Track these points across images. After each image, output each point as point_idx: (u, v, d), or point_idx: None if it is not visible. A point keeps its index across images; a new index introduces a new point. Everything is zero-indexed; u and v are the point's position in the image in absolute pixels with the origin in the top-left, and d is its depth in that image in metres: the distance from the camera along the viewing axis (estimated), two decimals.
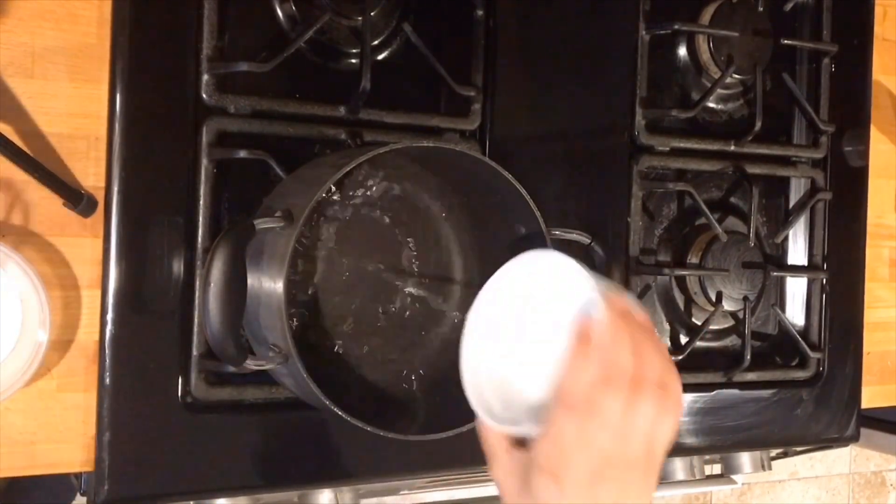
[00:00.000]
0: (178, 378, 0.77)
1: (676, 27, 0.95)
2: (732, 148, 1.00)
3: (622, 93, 0.94)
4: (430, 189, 0.84)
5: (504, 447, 0.58)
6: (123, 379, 0.75)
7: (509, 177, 0.74)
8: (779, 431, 1.03)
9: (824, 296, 1.05)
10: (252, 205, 0.78)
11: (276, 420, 0.80)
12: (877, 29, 1.08)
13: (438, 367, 0.83)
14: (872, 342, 1.09)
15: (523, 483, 0.55)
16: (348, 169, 0.69)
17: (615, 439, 0.52)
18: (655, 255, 0.99)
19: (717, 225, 0.97)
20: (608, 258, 0.84)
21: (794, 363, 1.05)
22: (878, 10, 1.08)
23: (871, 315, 1.08)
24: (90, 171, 0.76)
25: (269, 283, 0.69)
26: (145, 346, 0.76)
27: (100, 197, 0.75)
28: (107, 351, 0.74)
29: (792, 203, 1.05)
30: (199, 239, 0.77)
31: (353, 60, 0.84)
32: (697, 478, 1.05)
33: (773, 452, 1.12)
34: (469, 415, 0.59)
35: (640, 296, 0.98)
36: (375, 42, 0.84)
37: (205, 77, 0.77)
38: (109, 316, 0.74)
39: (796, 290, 1.05)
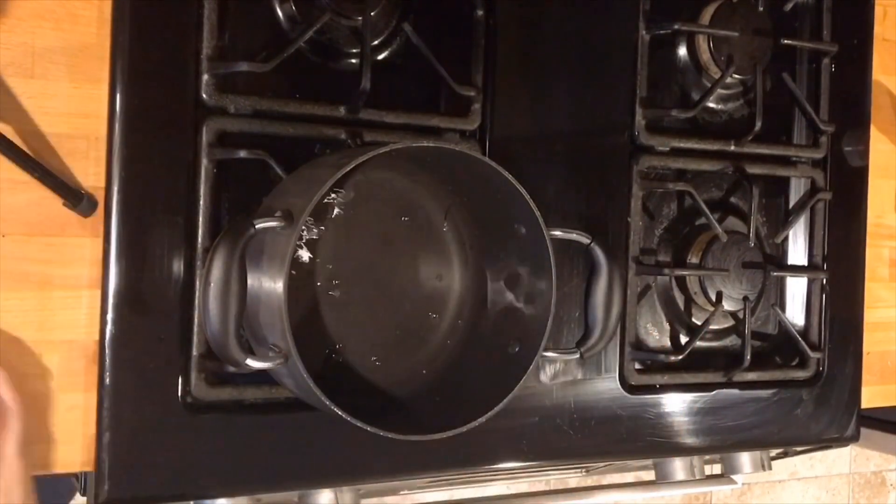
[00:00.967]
0: (178, 378, 0.77)
1: (676, 27, 0.95)
2: (732, 148, 1.00)
3: (622, 93, 0.94)
4: (430, 189, 0.84)
5: None
6: (123, 379, 0.75)
7: (509, 177, 0.74)
8: (779, 431, 1.03)
9: (824, 296, 1.05)
10: (252, 205, 0.78)
11: (276, 420, 0.80)
12: (877, 29, 1.08)
13: (438, 368, 0.83)
14: (872, 342, 1.09)
15: None
16: (348, 169, 0.69)
17: None
18: (655, 255, 0.99)
19: (717, 225, 0.97)
20: (608, 258, 0.84)
21: (794, 363, 1.05)
22: (878, 10, 1.08)
23: (871, 315, 1.08)
24: (90, 171, 0.76)
25: (269, 283, 0.69)
26: (145, 346, 0.76)
27: (100, 197, 0.75)
28: (107, 351, 0.74)
29: (792, 203, 1.05)
30: (199, 239, 0.77)
31: (353, 60, 0.84)
32: (697, 478, 1.05)
33: (773, 452, 1.11)
34: (469, 415, 0.59)
35: (640, 296, 0.98)
36: (375, 42, 0.84)
37: (205, 77, 0.77)
38: (109, 316, 0.74)
39: (796, 290, 1.05)
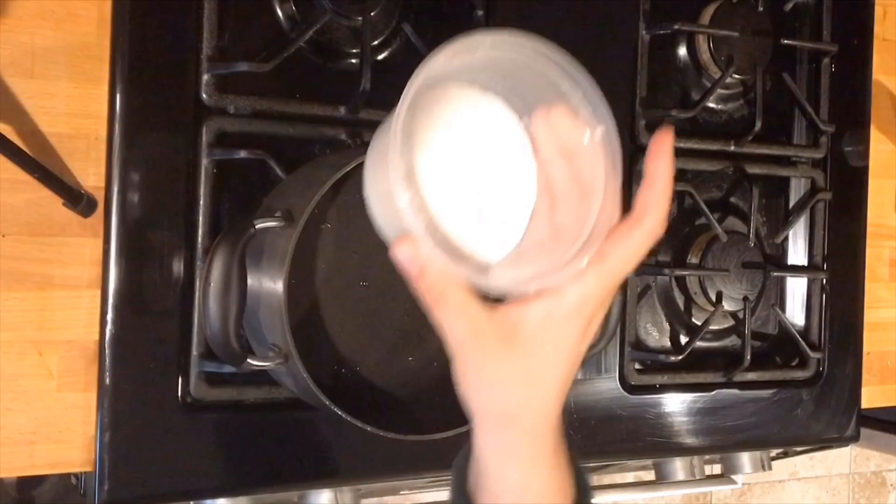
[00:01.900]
0: (177, 378, 0.77)
1: (676, 27, 0.95)
2: (732, 148, 1.00)
3: (622, 93, 0.94)
4: None
5: (465, 296, 0.49)
6: (123, 379, 0.75)
7: None
8: (779, 431, 1.03)
9: (824, 296, 1.05)
10: (252, 205, 0.78)
11: (276, 420, 0.80)
12: (877, 29, 1.08)
13: (438, 368, 0.83)
14: (872, 342, 1.09)
15: (510, 341, 0.48)
16: (348, 169, 0.69)
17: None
18: (655, 255, 0.99)
19: (717, 225, 0.97)
20: None
21: (794, 363, 1.05)
22: (878, 10, 1.08)
23: (871, 315, 1.08)
24: (90, 171, 0.76)
25: (269, 283, 0.69)
26: (145, 346, 0.76)
27: (100, 197, 0.75)
28: (107, 351, 0.74)
29: (792, 203, 1.05)
30: (199, 239, 0.77)
31: (353, 60, 0.84)
32: (697, 478, 1.05)
33: (773, 452, 1.12)
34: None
35: (640, 296, 0.98)
36: (375, 42, 0.84)
37: (205, 77, 0.77)
38: (109, 316, 0.75)
39: (796, 290, 1.05)
